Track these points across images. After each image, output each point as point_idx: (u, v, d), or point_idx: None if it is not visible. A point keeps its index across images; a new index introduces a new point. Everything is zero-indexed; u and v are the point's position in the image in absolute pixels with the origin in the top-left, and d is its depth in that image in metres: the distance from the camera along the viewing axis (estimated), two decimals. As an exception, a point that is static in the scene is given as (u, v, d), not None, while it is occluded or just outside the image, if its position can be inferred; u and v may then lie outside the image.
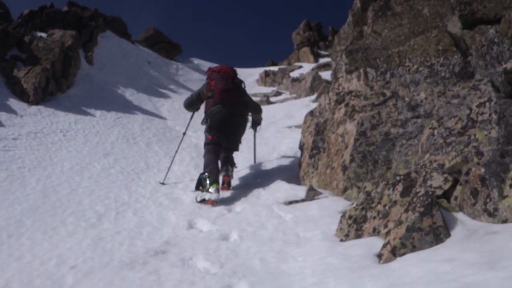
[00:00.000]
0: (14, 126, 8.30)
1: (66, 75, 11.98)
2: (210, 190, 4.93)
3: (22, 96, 10.04)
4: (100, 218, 4.61)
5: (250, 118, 6.30)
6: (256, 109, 6.28)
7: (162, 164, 7.16)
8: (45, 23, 15.31)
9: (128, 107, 11.80)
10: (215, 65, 7.04)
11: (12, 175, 6.10)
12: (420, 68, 5.13)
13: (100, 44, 16.26)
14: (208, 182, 5.05)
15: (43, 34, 13.65)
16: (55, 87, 11.19)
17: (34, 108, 9.65)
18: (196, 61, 24.36)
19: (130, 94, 13.32)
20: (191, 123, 6.95)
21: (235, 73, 5.93)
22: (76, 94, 11.62)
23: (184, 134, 6.82)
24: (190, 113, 6.66)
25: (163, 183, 5.97)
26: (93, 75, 13.57)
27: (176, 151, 6.75)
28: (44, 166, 6.62)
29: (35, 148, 7.41)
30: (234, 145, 5.82)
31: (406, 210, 2.65)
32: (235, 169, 5.86)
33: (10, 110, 9.11)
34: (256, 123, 6.47)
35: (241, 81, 5.93)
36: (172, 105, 13.34)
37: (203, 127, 5.84)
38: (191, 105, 6.24)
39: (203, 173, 5.29)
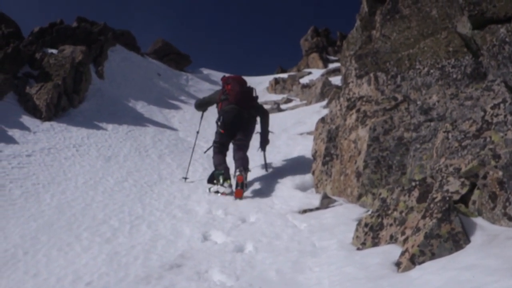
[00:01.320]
0: (28, 143, 8.39)
1: (78, 90, 12.10)
2: (224, 185, 5.67)
3: (35, 112, 10.15)
4: (115, 232, 4.60)
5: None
6: (263, 113, 6.77)
7: (175, 175, 7.17)
8: (56, 40, 15.49)
9: (140, 120, 11.86)
10: (225, 74, 7.50)
11: (27, 192, 6.15)
12: (431, 71, 5.07)
13: (110, 58, 16.41)
14: (221, 178, 5.76)
15: (54, 51, 13.82)
16: (67, 102, 11.30)
17: (47, 124, 9.75)
18: (206, 71, 24.48)
19: (141, 107, 13.40)
20: (203, 135, 7.24)
21: (246, 82, 6.69)
22: (88, 109, 11.72)
23: (197, 132, 7.66)
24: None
25: (186, 178, 6.74)
26: (104, 89, 13.69)
27: (193, 149, 7.64)
28: (58, 181, 6.66)
29: (48, 164, 7.46)
30: (246, 138, 6.30)
31: (424, 217, 2.60)
32: (248, 173, 6.02)
33: (23, 127, 9.20)
34: (264, 141, 6.78)
35: (252, 88, 6.69)
36: (183, 116, 13.39)
37: (214, 138, 6.43)
38: (202, 105, 7.18)
39: (216, 170, 6.00)
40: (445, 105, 4.00)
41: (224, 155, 6.24)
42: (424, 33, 6.25)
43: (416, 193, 2.98)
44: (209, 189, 5.83)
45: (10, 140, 8.30)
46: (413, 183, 3.09)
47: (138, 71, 17.53)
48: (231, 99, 6.25)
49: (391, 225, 2.96)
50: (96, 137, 9.55)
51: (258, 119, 6.70)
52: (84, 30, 16.81)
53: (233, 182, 5.71)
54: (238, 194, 5.47)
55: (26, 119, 9.74)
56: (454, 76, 4.85)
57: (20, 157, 7.54)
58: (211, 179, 6.02)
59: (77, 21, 18.95)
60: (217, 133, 6.37)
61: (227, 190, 5.63)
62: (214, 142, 6.35)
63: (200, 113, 7.48)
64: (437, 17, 6.33)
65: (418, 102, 4.21)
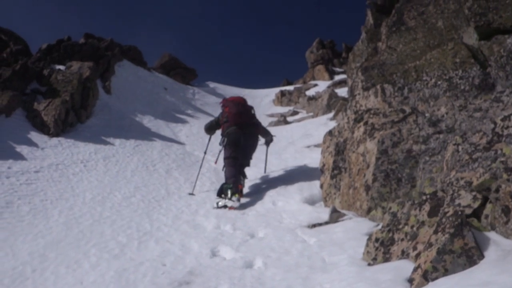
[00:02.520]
0: (36, 159, 8.42)
1: (85, 106, 12.18)
2: (233, 199, 5.86)
3: (43, 128, 10.22)
4: (123, 248, 4.58)
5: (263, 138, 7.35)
6: (266, 133, 7.30)
7: (183, 190, 7.15)
8: (63, 56, 15.65)
9: (147, 134, 11.90)
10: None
11: (35, 208, 6.16)
12: (439, 82, 5.05)
13: (117, 73, 16.54)
14: (229, 192, 5.91)
15: (62, 67, 13.95)
16: (74, 118, 11.38)
17: (54, 140, 9.81)
18: (212, 84, 24.59)
19: (148, 121, 13.46)
20: (210, 148, 7.74)
21: (245, 101, 7.01)
22: (95, 124, 11.78)
23: (205, 153, 7.82)
24: (208, 137, 7.68)
25: (192, 194, 6.80)
26: (111, 104, 13.77)
27: (201, 166, 7.78)
28: (66, 197, 6.67)
29: (56, 180, 7.48)
30: (247, 160, 6.78)
31: (436, 232, 2.56)
32: (246, 180, 6.76)
33: (31, 143, 9.26)
34: (268, 141, 7.49)
35: (251, 107, 6.98)
36: (190, 130, 13.42)
37: (224, 155, 6.66)
38: (210, 129, 7.33)
39: (225, 183, 6.14)
40: (453, 117, 3.97)
41: (236, 168, 6.44)
42: (430, 44, 6.24)
43: (427, 207, 2.94)
44: (217, 203, 5.91)
45: (19, 157, 8.35)
46: (424, 197, 3.05)
47: (145, 85, 17.65)
48: (231, 121, 6.62)
49: (402, 240, 2.92)
50: (104, 152, 9.58)
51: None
52: (91, 46, 16.97)
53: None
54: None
55: (34, 135, 9.80)
56: (462, 87, 4.82)
57: (28, 173, 7.56)
58: (220, 193, 6.09)
59: (84, 37, 19.17)
60: (225, 149, 6.60)
61: (235, 205, 5.78)
62: (226, 158, 6.54)
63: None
64: (443, 28, 6.32)
65: (427, 114, 4.18)
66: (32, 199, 6.48)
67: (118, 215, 5.84)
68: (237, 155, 6.52)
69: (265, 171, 7.40)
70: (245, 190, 6.63)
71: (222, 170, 6.66)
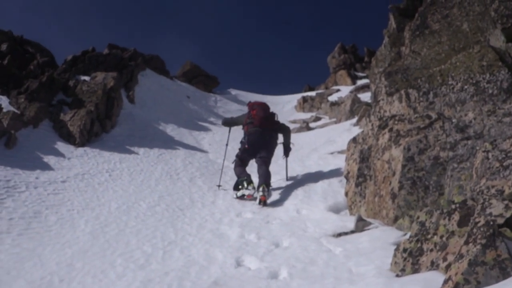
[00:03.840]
0: (63, 169, 8.57)
1: (110, 116, 12.37)
2: (249, 188, 6.58)
3: (69, 138, 10.41)
4: (148, 258, 4.60)
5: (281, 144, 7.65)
6: (285, 130, 7.64)
7: (206, 199, 7.16)
8: (88, 67, 15.94)
9: (170, 143, 11.99)
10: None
11: (62, 218, 6.25)
12: (465, 86, 4.94)
13: (140, 82, 16.76)
14: (245, 183, 6.68)
15: (87, 78, 14.21)
16: (99, 128, 11.55)
17: (80, 150, 9.97)
18: (234, 91, 24.68)
19: (171, 130, 13.56)
20: (231, 154, 8.13)
21: (269, 107, 7.63)
22: (119, 134, 11.93)
23: (226, 145, 8.65)
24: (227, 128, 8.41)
25: (219, 186, 7.70)
26: (135, 113, 13.94)
27: (223, 164, 8.44)
28: (92, 207, 6.75)
29: (83, 189, 7.59)
30: (268, 155, 7.18)
31: (466, 242, 2.48)
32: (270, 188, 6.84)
33: (58, 154, 9.43)
34: (286, 149, 7.65)
35: (274, 113, 7.55)
36: (213, 138, 13.47)
37: (237, 153, 7.42)
38: (228, 123, 8.07)
39: (239, 178, 6.88)
40: (482, 122, 3.87)
41: (244, 168, 7.15)
42: (455, 47, 6.12)
43: (456, 216, 2.86)
44: (236, 194, 6.74)
45: (46, 167, 8.51)
46: (453, 206, 2.97)
47: (168, 94, 17.83)
48: (256, 123, 7.20)
49: (431, 250, 2.84)
50: (128, 162, 9.69)
51: (280, 137, 7.58)
52: (115, 57, 17.25)
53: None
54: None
55: (61, 145, 9.99)
56: (490, 91, 4.71)
57: (56, 183, 7.70)
58: (236, 186, 6.89)
59: (108, 48, 19.52)
60: (240, 149, 7.32)
61: (251, 192, 6.53)
62: (236, 156, 7.31)
63: (227, 128, 8.36)
64: (468, 31, 6.20)
65: (454, 120, 4.08)
66: (59, 209, 6.59)
67: (143, 225, 5.88)
68: (248, 157, 7.25)
69: (287, 179, 7.47)
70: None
71: (232, 163, 7.44)
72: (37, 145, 9.56)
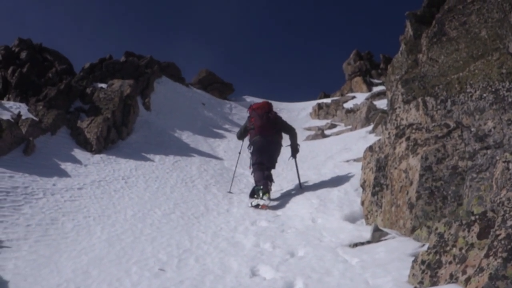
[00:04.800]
0: (79, 176, 8.65)
1: (126, 123, 12.48)
2: (264, 198, 6.80)
3: (86, 145, 10.52)
4: (163, 266, 4.60)
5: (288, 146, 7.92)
6: (290, 130, 7.87)
7: (221, 206, 7.16)
8: (105, 74, 16.16)
9: (185, 150, 12.04)
10: (267, 101, 8.45)
11: (79, 225, 6.30)
12: (484, 94, 4.87)
13: (156, 89, 16.90)
14: (261, 192, 6.89)
15: (104, 85, 14.39)
16: (116, 135, 11.66)
17: (97, 157, 10.07)
18: (249, 98, 24.74)
19: (187, 137, 13.63)
20: (245, 161, 8.59)
21: (270, 107, 7.79)
22: (135, 141, 12.03)
23: (239, 153, 8.94)
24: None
25: (230, 192, 8.08)
26: (151, 120, 14.05)
27: (235, 169, 8.89)
28: (108, 214, 6.79)
29: (99, 196, 7.65)
30: (272, 164, 7.60)
31: (487, 255, 2.42)
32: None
33: (75, 160, 9.53)
34: (294, 151, 7.83)
35: (275, 113, 7.79)
36: (228, 145, 13.49)
37: (252, 161, 7.68)
38: (241, 136, 8.25)
39: (256, 186, 7.12)
40: (502, 132, 3.80)
41: (263, 172, 7.33)
42: (473, 55, 6.05)
43: (476, 228, 2.80)
44: (251, 203, 6.90)
45: (63, 173, 8.60)
46: (473, 217, 2.91)
47: (183, 101, 17.94)
48: (256, 131, 7.53)
49: (450, 263, 2.78)
50: (144, 169, 9.74)
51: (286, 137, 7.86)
52: (132, 64, 17.45)
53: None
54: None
55: (78, 152, 10.10)
56: (510, 99, 4.62)
57: (72, 190, 7.77)
58: (252, 194, 7.15)
59: (125, 55, 19.74)
60: (252, 156, 7.59)
61: (266, 202, 6.73)
62: (253, 164, 7.51)
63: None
64: (487, 38, 6.12)
65: (472, 129, 4.02)
66: (76, 215, 6.64)
67: (158, 232, 5.89)
68: (262, 160, 7.40)
69: (300, 187, 7.49)
70: (284, 206, 6.64)
71: (251, 174, 7.65)
72: (55, 152, 9.68)
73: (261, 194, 6.85)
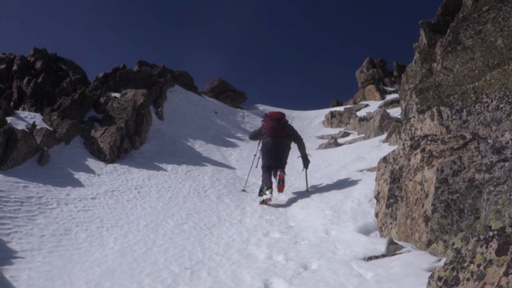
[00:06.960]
0: (93, 186, 8.69)
1: (139, 132, 12.55)
2: (267, 192, 7.68)
3: (99, 155, 10.59)
4: (176, 278, 4.57)
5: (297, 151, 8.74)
6: (297, 139, 8.61)
7: (234, 217, 7.12)
8: (119, 84, 16.29)
9: (198, 159, 12.05)
10: (279, 109, 8.79)
11: (92, 235, 6.30)
12: (501, 105, 4.78)
13: (169, 98, 16.99)
14: (265, 188, 7.79)
15: (117, 94, 14.49)
16: (129, 144, 11.72)
17: (110, 167, 10.11)
18: (261, 107, 24.76)
19: (199, 146, 13.65)
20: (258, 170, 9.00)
21: (282, 116, 8.59)
22: (148, 150, 12.07)
23: (255, 155, 9.50)
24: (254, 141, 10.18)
25: (244, 190, 9.15)
26: (164, 129, 14.10)
27: (250, 169, 9.76)
28: (121, 224, 6.79)
29: (112, 206, 7.66)
30: (281, 164, 8.35)
31: (506, 273, 2.35)
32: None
33: (88, 170, 9.59)
34: (305, 161, 8.57)
35: (286, 121, 8.64)
36: (240, 154, 13.47)
37: (261, 163, 8.51)
38: (254, 137, 9.24)
39: (262, 184, 8.04)
40: (520, 143, 3.72)
41: (270, 174, 8.20)
42: (489, 64, 5.96)
43: (494, 244, 2.73)
44: (259, 200, 7.83)
45: (77, 183, 8.65)
46: (491, 233, 2.84)
47: (196, 110, 18.00)
48: (268, 133, 8.40)
49: (468, 279, 2.71)
50: (157, 178, 9.76)
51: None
52: (145, 73, 17.57)
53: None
54: (280, 188, 7.92)
55: (91, 162, 10.16)
56: (527, 110, 4.53)
57: (86, 200, 7.80)
58: (260, 192, 8.10)
59: (138, 64, 19.91)
60: (262, 159, 8.43)
61: (269, 196, 7.59)
62: (262, 166, 8.36)
63: (254, 142, 10.01)
64: (503, 46, 6.03)
65: (489, 141, 3.94)
66: (89, 226, 6.65)
67: (171, 243, 5.87)
68: (271, 163, 8.26)
69: (307, 189, 8.22)
70: (296, 216, 6.64)
71: (261, 176, 8.44)
72: (69, 162, 9.74)
73: (265, 189, 7.74)
